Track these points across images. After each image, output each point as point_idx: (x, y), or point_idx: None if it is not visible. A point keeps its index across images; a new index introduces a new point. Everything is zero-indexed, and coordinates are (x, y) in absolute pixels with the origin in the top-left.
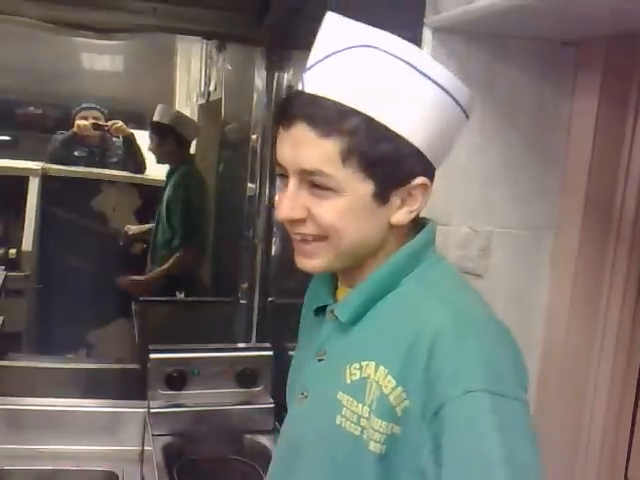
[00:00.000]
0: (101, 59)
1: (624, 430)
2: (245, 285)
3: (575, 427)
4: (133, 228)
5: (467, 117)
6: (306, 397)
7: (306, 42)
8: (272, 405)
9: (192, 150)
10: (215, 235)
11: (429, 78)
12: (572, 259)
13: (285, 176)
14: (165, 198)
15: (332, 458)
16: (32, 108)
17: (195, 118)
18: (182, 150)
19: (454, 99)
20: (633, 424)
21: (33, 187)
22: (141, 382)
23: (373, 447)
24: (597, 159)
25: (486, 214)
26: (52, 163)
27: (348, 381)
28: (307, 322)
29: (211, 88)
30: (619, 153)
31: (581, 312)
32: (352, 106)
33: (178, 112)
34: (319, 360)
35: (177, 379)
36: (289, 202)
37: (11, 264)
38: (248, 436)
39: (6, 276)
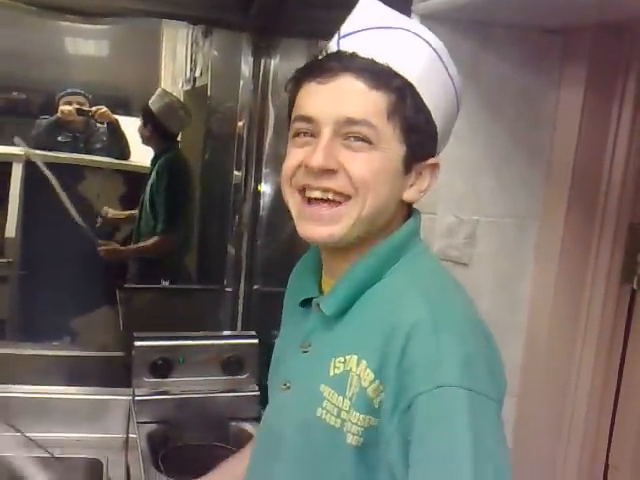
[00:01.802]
0: (86, 44)
1: (606, 418)
2: (231, 273)
3: (558, 415)
4: (112, 211)
5: (456, 112)
6: (289, 388)
7: (293, 29)
8: (257, 393)
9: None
10: (201, 222)
11: (447, 70)
12: (556, 249)
13: (304, 134)
14: (149, 185)
15: (312, 449)
16: (16, 93)
17: None
18: (164, 139)
19: (457, 95)
20: (614, 412)
21: (16, 173)
22: (126, 370)
23: (351, 440)
24: (582, 150)
25: (472, 203)
26: (36, 148)
27: (331, 374)
28: (290, 312)
29: (197, 74)
30: (604, 144)
31: (565, 301)
32: (398, 70)
33: (170, 102)
34: (304, 352)
35: (162, 367)
36: (324, 151)
37: None
38: (233, 423)
39: None
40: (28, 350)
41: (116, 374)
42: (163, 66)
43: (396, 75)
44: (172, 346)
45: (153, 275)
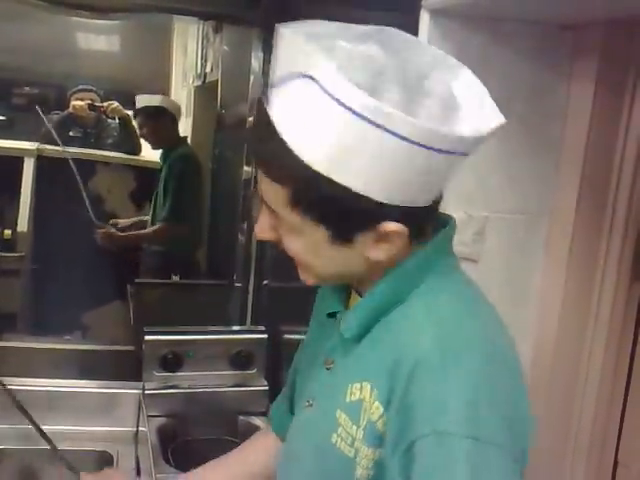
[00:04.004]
0: (97, 39)
1: (615, 414)
2: (240, 268)
3: (566, 411)
4: (121, 221)
5: (460, 154)
6: (311, 405)
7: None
8: (266, 387)
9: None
10: (211, 218)
11: (373, 124)
12: (566, 244)
13: None
14: (162, 181)
15: (325, 473)
16: (28, 88)
17: (191, 100)
18: (176, 130)
19: (420, 145)
20: (624, 408)
21: (28, 167)
22: (136, 364)
23: (360, 473)
24: (593, 144)
25: (481, 199)
26: (47, 144)
27: (347, 400)
28: (318, 320)
29: (207, 70)
30: (615, 139)
31: (575, 297)
32: (295, 152)
33: (161, 96)
34: (327, 368)
35: (172, 361)
36: (261, 223)
37: (6, 245)
38: (242, 418)
39: (1, 257)
40: (39, 344)
41: (126, 368)
42: (174, 62)
43: (295, 160)
44: (182, 340)
45: (164, 270)
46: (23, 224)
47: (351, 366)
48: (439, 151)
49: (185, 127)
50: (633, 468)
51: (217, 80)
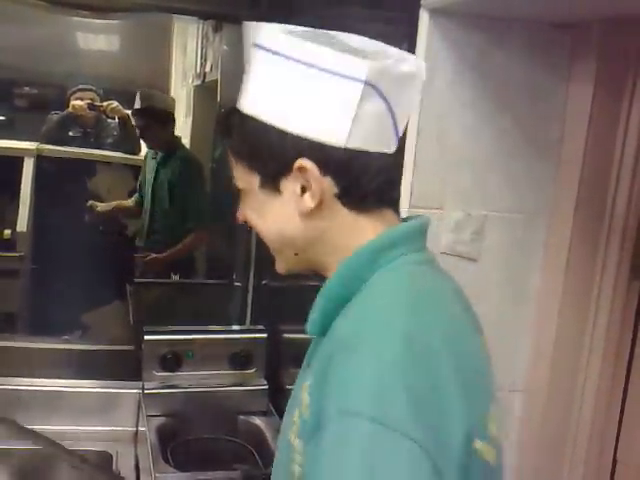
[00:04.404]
0: (97, 39)
1: (614, 411)
2: (240, 268)
3: (565, 409)
4: (101, 205)
5: (368, 84)
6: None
7: (302, 24)
8: (265, 387)
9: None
10: (210, 217)
11: (295, 60)
12: (565, 244)
13: None
14: (166, 181)
15: (287, 470)
16: (27, 88)
17: (191, 100)
18: (174, 131)
19: (321, 69)
20: (623, 406)
21: (28, 167)
22: (136, 363)
23: (293, 468)
24: (591, 145)
25: (480, 198)
26: (47, 143)
27: (302, 397)
28: None
29: (207, 69)
30: (613, 139)
31: (574, 296)
32: (235, 104)
33: (156, 92)
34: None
35: (171, 360)
36: (240, 208)
37: (6, 245)
38: (242, 417)
39: (1, 257)
40: (39, 344)
41: (126, 368)
42: (173, 61)
43: (233, 112)
44: (181, 340)
45: (163, 270)
46: (23, 224)
47: (311, 364)
48: (327, 72)
49: (185, 127)
50: (632, 465)
51: (217, 79)
